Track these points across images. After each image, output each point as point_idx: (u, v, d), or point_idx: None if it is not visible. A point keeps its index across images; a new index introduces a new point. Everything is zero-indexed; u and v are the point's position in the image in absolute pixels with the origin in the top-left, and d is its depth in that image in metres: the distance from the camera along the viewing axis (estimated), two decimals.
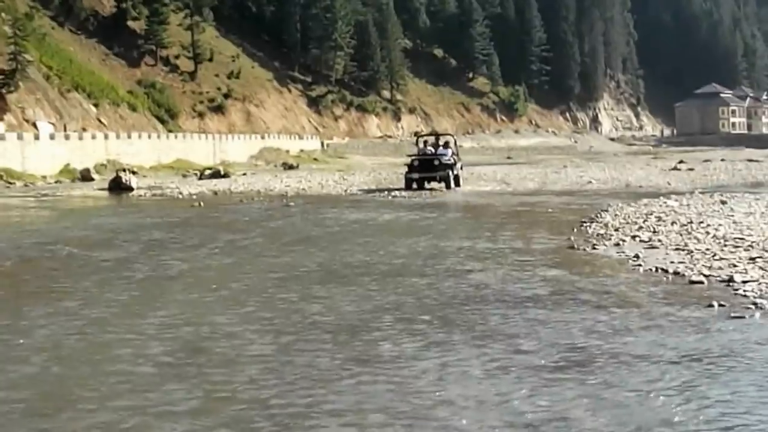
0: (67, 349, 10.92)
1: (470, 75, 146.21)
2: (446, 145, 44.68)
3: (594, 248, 19.41)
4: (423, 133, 61.87)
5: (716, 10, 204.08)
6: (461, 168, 45.61)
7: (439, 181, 42.18)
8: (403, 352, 10.47)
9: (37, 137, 56.47)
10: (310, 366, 9.90)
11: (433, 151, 43.86)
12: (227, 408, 8.48)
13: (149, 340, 11.35)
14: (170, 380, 9.44)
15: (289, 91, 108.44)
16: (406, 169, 44.32)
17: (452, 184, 42.00)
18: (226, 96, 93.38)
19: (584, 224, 24.39)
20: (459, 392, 8.82)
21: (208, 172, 57.70)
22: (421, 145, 45.78)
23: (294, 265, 18.25)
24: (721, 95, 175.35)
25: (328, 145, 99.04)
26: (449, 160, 42.90)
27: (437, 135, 50.82)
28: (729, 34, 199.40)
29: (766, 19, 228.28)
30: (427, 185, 42.53)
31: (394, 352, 10.45)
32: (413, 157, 44.22)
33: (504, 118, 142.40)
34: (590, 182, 47.73)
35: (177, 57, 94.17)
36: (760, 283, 13.99)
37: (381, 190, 43.14)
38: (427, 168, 42.35)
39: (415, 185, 42.29)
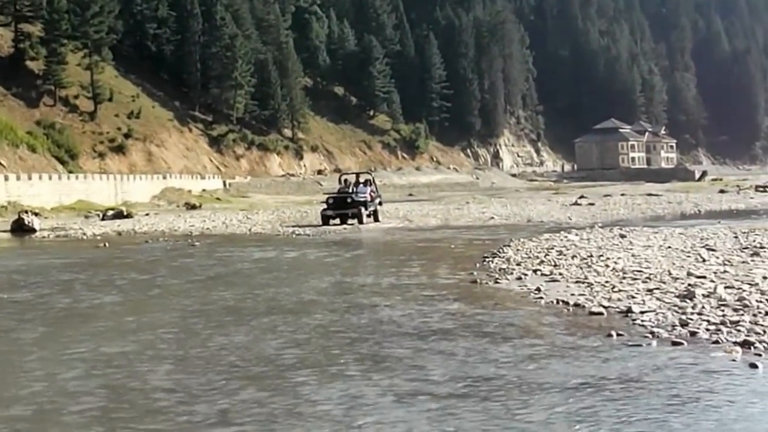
0: None
1: (371, 113, 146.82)
2: (366, 183, 47.48)
3: (497, 282, 19.78)
4: (345, 172, 64.23)
5: (614, 46, 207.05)
6: (380, 204, 48.58)
7: (352, 217, 44.31)
8: (311, 384, 10.75)
9: None
10: (229, 397, 10.19)
11: (354, 189, 45.98)
12: None
13: (60, 378, 11.54)
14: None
15: (190, 130, 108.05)
16: (323, 206, 46.37)
17: (364, 220, 44.31)
18: (127, 136, 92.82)
19: (487, 259, 24.74)
20: (369, 420, 9.15)
21: (110, 212, 57.28)
22: (342, 183, 47.94)
23: (201, 303, 18.47)
24: (620, 130, 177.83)
25: (230, 184, 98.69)
26: (364, 197, 45.32)
27: (357, 174, 53.24)
28: (627, 69, 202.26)
29: (663, 54, 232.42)
30: (334, 221, 44.62)
31: (303, 385, 10.73)
32: (329, 195, 47.22)
33: (405, 155, 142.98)
34: (492, 218, 48.17)
35: (76, 97, 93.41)
36: (657, 313, 14.48)
37: (287, 228, 43.45)
38: (342, 205, 44.73)
39: (333, 221, 44.42)
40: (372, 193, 47.11)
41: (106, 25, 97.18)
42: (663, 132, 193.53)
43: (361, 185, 46.83)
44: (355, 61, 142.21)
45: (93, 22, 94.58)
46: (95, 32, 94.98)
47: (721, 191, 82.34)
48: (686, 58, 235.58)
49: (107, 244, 36.19)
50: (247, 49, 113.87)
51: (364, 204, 45.24)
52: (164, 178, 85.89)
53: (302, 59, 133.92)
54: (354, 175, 51.07)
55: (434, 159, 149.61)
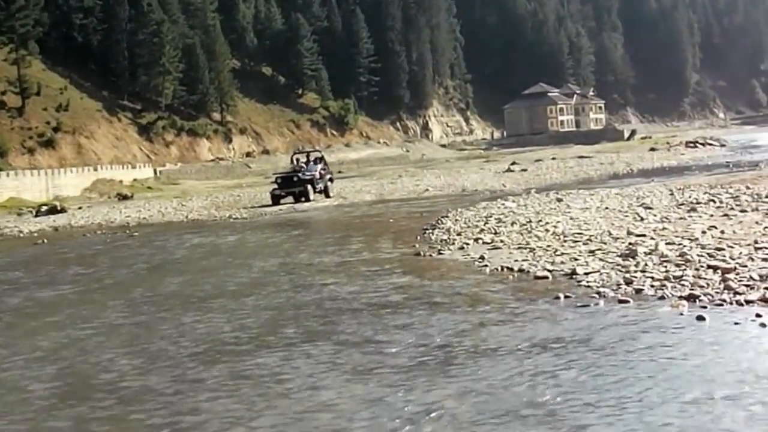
0: None
1: (300, 91, 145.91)
2: (316, 161, 49.74)
3: (440, 253, 20.00)
4: (298, 151, 64.89)
5: (540, 10, 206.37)
6: (330, 180, 50.17)
7: (299, 195, 46.12)
8: (274, 362, 10.93)
9: None
10: (194, 381, 10.30)
11: (304, 167, 48.25)
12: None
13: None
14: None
15: (119, 120, 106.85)
16: (273, 186, 48.24)
17: (312, 197, 46.06)
18: (56, 130, 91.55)
19: (427, 231, 24.96)
20: (335, 395, 9.34)
21: (44, 208, 56.69)
22: (294, 163, 50.51)
23: (150, 291, 18.55)
24: (549, 94, 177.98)
25: (160, 172, 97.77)
26: (311, 175, 47.17)
27: (308, 152, 55.23)
28: (554, 32, 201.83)
29: (590, 15, 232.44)
30: (284, 199, 46.27)
31: (266, 364, 10.91)
32: (277, 175, 49.50)
33: (335, 132, 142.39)
34: (427, 190, 48.44)
35: (3, 93, 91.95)
36: (601, 274, 14.78)
37: (228, 212, 43.42)
38: (289, 184, 46.61)
39: (283, 200, 46.08)
40: (322, 171, 48.83)
41: (32, 18, 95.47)
42: (591, 93, 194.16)
43: (311, 163, 48.72)
44: (282, 41, 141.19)
45: (19, 16, 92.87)
46: (21, 26, 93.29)
47: (652, 149, 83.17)
48: (613, 17, 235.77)
49: (45, 241, 35.95)
50: (174, 35, 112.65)
51: (311, 182, 46.79)
52: (95, 170, 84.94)
53: (229, 41, 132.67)
54: (304, 155, 53.37)
55: (364, 134, 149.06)
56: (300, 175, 46.98)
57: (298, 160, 50.88)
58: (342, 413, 8.75)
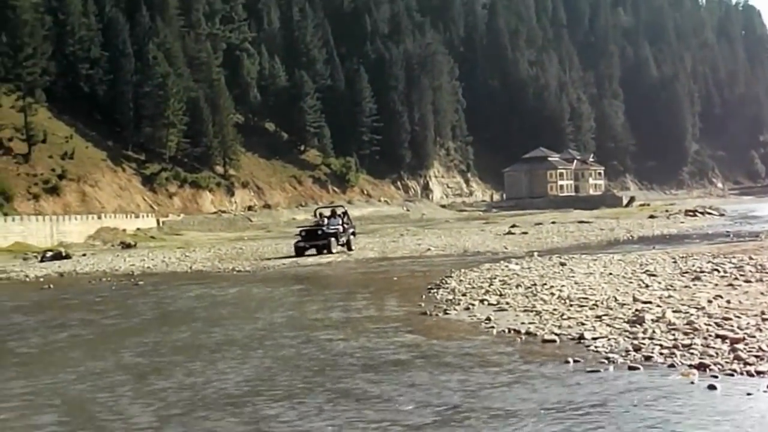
0: None
1: (302, 148, 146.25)
2: (337, 215, 51.06)
3: (446, 313, 20.03)
4: (320, 206, 66.49)
5: (543, 75, 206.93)
6: (353, 234, 51.86)
7: (322, 248, 47.37)
8: (287, 418, 10.99)
9: None
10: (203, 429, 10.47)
11: (326, 220, 49.70)
12: None
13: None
14: None
15: (124, 170, 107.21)
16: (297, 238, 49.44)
17: (334, 250, 47.27)
18: (61, 177, 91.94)
19: (432, 290, 24.98)
20: None
21: (49, 254, 56.87)
22: (317, 217, 52.18)
23: (159, 341, 18.66)
24: (549, 159, 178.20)
25: (163, 222, 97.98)
26: (335, 229, 48.87)
27: (332, 208, 56.11)
28: (555, 98, 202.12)
29: (592, 82, 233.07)
30: (308, 252, 47.57)
31: (279, 420, 10.97)
32: (301, 228, 51.85)
33: (336, 189, 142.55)
34: (429, 249, 48.43)
35: (10, 140, 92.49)
36: (609, 339, 14.82)
37: (225, 265, 43.53)
38: (313, 237, 48.16)
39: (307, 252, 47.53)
40: (344, 225, 50.54)
41: (40, 66, 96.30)
42: (591, 159, 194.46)
43: (332, 218, 50.09)
44: (286, 97, 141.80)
45: (26, 65, 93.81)
46: (28, 74, 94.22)
47: (651, 216, 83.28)
48: (614, 85, 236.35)
49: (51, 286, 36.04)
50: (179, 88, 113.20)
51: (335, 235, 48.45)
52: (99, 218, 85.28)
53: (234, 96, 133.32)
54: (328, 209, 54.33)
55: (365, 192, 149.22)
56: (324, 228, 48.62)
57: (321, 214, 52.34)
58: None
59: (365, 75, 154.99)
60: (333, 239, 48.16)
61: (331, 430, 10.35)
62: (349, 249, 49.48)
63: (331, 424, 10.58)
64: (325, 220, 49.93)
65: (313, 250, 47.64)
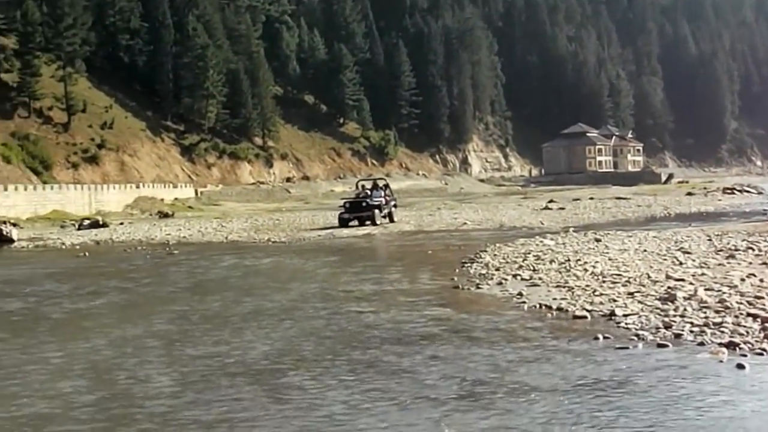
0: None
1: (341, 120, 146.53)
2: (380, 188, 51.99)
3: (478, 287, 19.94)
4: (362, 178, 67.34)
5: (581, 51, 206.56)
6: (395, 206, 52.85)
7: (366, 219, 48.42)
8: (314, 392, 10.94)
9: None
10: (228, 397, 10.50)
11: (368, 193, 50.75)
12: None
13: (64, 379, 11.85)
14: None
15: (163, 140, 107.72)
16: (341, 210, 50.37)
17: (378, 221, 48.28)
18: (100, 146, 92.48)
19: (465, 264, 24.89)
20: (370, 423, 9.41)
21: (86, 222, 57.14)
22: (359, 189, 53.46)
23: (189, 309, 18.75)
24: (588, 135, 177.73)
25: (201, 192, 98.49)
26: (379, 201, 49.74)
27: (374, 180, 56.66)
28: (594, 74, 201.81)
29: (630, 59, 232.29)
30: (351, 223, 48.49)
31: (307, 393, 10.93)
32: (345, 200, 51.73)
33: (375, 162, 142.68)
34: (465, 223, 48.23)
35: (50, 108, 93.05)
36: (639, 316, 14.70)
37: (261, 236, 43.63)
38: (357, 209, 49.02)
39: (351, 222, 48.56)
40: (386, 197, 51.31)
41: (80, 37, 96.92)
42: (630, 136, 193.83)
43: (374, 191, 51.03)
44: (325, 70, 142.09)
45: (66, 35, 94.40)
46: (69, 44, 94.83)
47: (689, 194, 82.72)
48: (653, 62, 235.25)
49: (87, 254, 36.36)
50: (218, 59, 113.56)
51: (378, 207, 49.25)
52: (137, 187, 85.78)
53: (273, 68, 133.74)
54: (369, 182, 56.06)
55: (403, 165, 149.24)
56: (368, 200, 49.38)
57: (363, 186, 54.03)
58: None
59: (404, 49, 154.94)
60: (377, 211, 48.89)
61: (352, 401, 10.32)
62: (391, 221, 50.36)
63: (352, 395, 10.57)
64: (367, 192, 50.63)
65: (355, 222, 48.44)
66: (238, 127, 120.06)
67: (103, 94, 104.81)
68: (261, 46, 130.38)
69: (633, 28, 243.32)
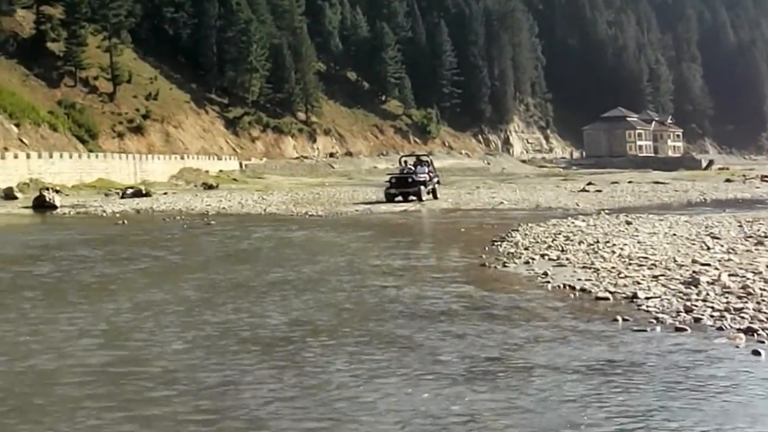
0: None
1: (383, 98, 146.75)
2: (423, 164, 53.25)
3: (504, 266, 19.96)
4: (405, 155, 67.43)
5: (621, 36, 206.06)
6: (438, 183, 54.27)
7: (412, 195, 49.37)
8: (326, 361, 11.02)
9: None
10: (243, 365, 10.62)
11: (412, 169, 51.63)
12: None
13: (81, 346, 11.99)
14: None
15: (207, 112, 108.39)
16: (387, 185, 51.52)
17: (424, 197, 49.50)
18: (145, 117, 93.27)
19: (495, 243, 24.90)
20: (380, 398, 9.45)
21: (129, 191, 57.83)
22: (403, 165, 53.76)
23: (217, 278, 19.00)
24: (628, 119, 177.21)
25: (246, 165, 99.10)
26: (423, 177, 50.81)
27: (417, 156, 57.49)
28: (634, 59, 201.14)
29: (670, 44, 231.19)
30: (397, 198, 49.35)
31: (318, 362, 11.01)
32: (391, 175, 52.69)
33: (417, 140, 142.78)
34: (502, 203, 48.32)
35: (96, 78, 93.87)
36: (661, 299, 14.61)
37: (299, 209, 44.01)
38: (403, 184, 49.96)
39: (396, 197, 49.36)
40: (430, 173, 52.49)
41: (125, 8, 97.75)
42: (670, 121, 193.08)
43: (418, 166, 52.02)
44: (367, 47, 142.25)
45: (112, 6, 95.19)
46: (114, 15, 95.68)
47: (727, 180, 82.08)
48: (692, 48, 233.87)
49: (125, 222, 37.03)
50: (262, 34, 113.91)
51: (423, 183, 50.40)
52: (182, 158, 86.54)
53: (315, 44, 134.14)
54: (413, 158, 56.53)
55: (446, 144, 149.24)
56: (414, 176, 50.26)
57: (406, 162, 54.21)
58: (381, 415, 8.90)
59: (446, 29, 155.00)
60: (422, 187, 49.81)
61: (361, 372, 10.41)
62: (435, 197, 51.31)
63: (364, 368, 10.62)
64: (411, 168, 51.16)
65: (399, 197, 49.14)
66: (282, 101, 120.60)
67: (147, 65, 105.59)
68: (304, 22, 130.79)
69: (672, 14, 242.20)
